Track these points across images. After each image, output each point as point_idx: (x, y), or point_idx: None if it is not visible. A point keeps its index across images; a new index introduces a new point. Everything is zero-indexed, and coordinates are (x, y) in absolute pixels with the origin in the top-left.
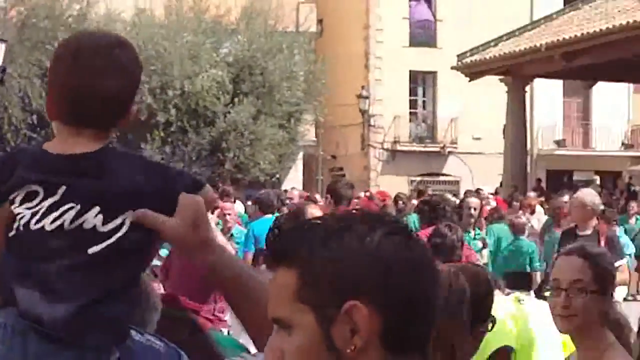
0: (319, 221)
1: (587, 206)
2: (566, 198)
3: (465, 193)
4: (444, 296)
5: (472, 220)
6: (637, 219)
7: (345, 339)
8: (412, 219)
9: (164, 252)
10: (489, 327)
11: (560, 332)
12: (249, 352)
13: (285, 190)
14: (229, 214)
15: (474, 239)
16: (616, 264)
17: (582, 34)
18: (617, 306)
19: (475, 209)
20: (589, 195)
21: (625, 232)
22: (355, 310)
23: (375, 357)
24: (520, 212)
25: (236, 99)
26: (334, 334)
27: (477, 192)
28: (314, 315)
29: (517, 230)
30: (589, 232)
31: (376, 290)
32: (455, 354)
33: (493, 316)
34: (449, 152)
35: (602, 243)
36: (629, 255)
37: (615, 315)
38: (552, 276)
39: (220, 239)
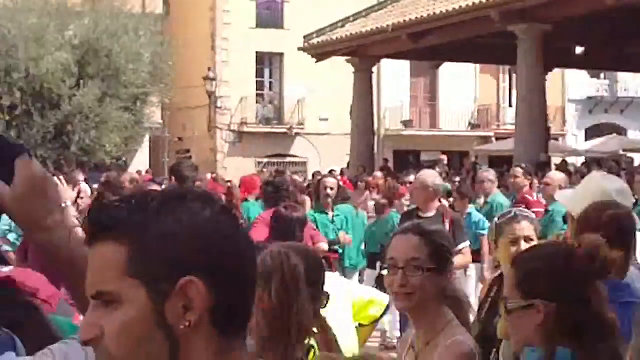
0: (148, 195)
1: (430, 187)
2: (412, 178)
3: (313, 174)
4: (280, 276)
5: (329, 200)
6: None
7: (179, 315)
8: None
9: (11, 237)
10: (324, 304)
11: (398, 310)
12: None
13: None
14: (82, 197)
15: (332, 221)
16: (459, 247)
17: (429, 14)
18: (457, 283)
19: (332, 189)
20: (431, 177)
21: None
22: (191, 286)
23: (205, 335)
24: (367, 192)
25: (82, 82)
26: (167, 309)
27: (331, 173)
28: (145, 291)
29: (379, 211)
30: (431, 214)
31: (208, 268)
32: (293, 331)
33: (327, 293)
34: (296, 134)
35: (447, 226)
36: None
37: (454, 293)
38: (389, 255)
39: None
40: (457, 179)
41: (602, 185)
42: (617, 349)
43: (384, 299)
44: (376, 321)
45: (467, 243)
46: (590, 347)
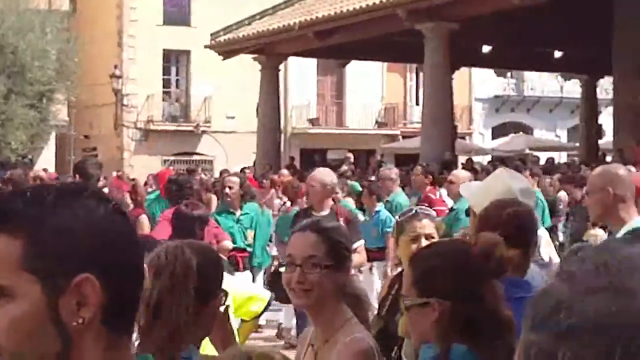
0: (44, 189)
1: (327, 186)
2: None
3: (220, 172)
4: (170, 270)
5: (229, 199)
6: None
7: (72, 312)
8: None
9: None
10: (223, 301)
11: (296, 307)
12: None
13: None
14: None
15: (238, 220)
16: (354, 245)
17: (335, 12)
18: (356, 280)
19: (231, 188)
20: (328, 175)
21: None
22: (86, 283)
23: (96, 331)
24: (272, 190)
25: None
26: (60, 305)
27: (242, 171)
28: (40, 285)
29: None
30: (325, 212)
31: (103, 265)
32: (182, 327)
33: (224, 290)
34: (203, 132)
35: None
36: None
37: (354, 290)
38: (287, 252)
39: None
40: (373, 177)
41: (507, 183)
42: (513, 345)
43: (265, 295)
44: (257, 317)
45: (362, 242)
46: (486, 344)
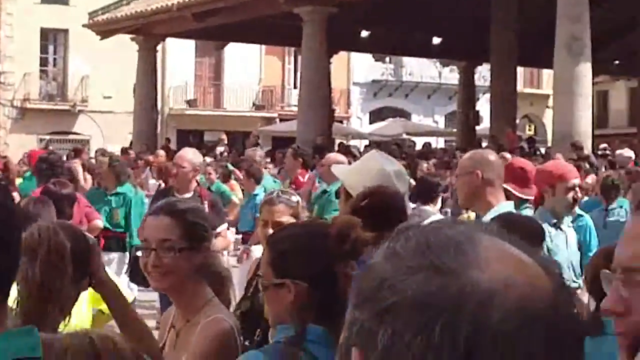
0: None
1: (197, 167)
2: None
3: (95, 152)
4: (45, 250)
5: (99, 179)
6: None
7: None
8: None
9: None
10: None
11: (154, 289)
12: None
13: None
14: None
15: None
16: (218, 229)
17: None
18: (221, 260)
19: (101, 167)
20: (196, 156)
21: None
22: None
23: None
24: (147, 170)
25: None
26: None
27: (127, 151)
28: None
29: None
30: (189, 194)
31: None
32: (52, 309)
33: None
34: (80, 111)
35: (206, 208)
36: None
37: (217, 269)
38: (143, 236)
39: None
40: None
41: (381, 165)
42: None
43: (127, 296)
44: None
45: (225, 225)
46: (341, 325)
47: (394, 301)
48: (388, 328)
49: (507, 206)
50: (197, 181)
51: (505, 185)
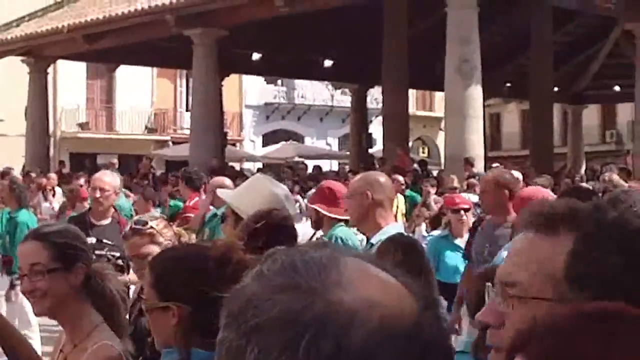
0: None
1: (117, 191)
2: (82, 181)
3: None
4: None
5: None
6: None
7: None
8: None
9: None
10: None
11: (37, 315)
12: None
13: None
14: None
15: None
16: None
17: (104, 16)
18: (118, 282)
19: None
20: (113, 178)
21: None
22: None
23: None
24: (41, 193)
25: None
26: None
27: (28, 174)
28: None
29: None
30: (107, 221)
31: None
32: None
33: None
34: None
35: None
36: None
37: (107, 291)
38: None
39: None
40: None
41: (272, 189)
42: None
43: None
44: None
45: None
46: None
47: (260, 320)
48: (254, 347)
49: (396, 228)
50: (113, 207)
51: (313, 206)
